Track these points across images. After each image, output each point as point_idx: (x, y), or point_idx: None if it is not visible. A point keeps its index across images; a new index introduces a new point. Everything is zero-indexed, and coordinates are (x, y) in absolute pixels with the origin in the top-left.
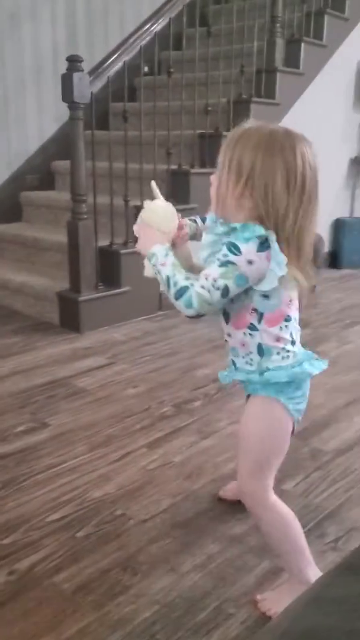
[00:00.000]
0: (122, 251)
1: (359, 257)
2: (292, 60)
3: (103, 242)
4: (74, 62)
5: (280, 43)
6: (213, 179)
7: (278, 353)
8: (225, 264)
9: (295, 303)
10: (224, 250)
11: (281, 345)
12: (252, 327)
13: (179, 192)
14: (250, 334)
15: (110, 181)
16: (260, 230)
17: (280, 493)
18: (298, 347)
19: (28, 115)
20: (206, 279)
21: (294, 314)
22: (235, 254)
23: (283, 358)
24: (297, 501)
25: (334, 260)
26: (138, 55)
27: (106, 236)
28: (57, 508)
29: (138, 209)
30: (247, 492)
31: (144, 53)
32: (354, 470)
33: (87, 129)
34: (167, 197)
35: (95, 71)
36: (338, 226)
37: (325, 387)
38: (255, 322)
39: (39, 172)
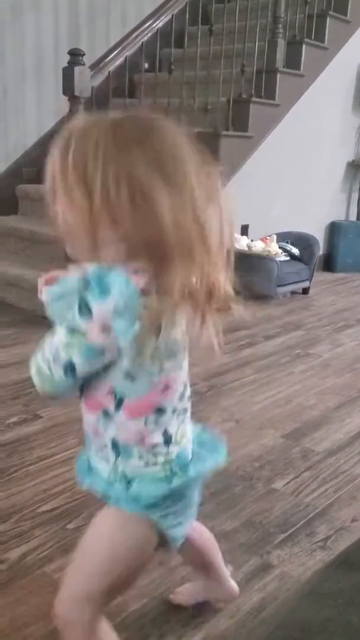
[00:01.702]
0: None
1: (353, 260)
2: (293, 61)
3: None
4: (75, 55)
5: (281, 44)
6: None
7: (140, 457)
8: (71, 330)
9: (178, 387)
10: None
11: (144, 447)
12: (106, 414)
13: None
14: (103, 423)
15: None
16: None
17: (271, 492)
18: (178, 446)
19: (27, 108)
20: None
21: (174, 403)
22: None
23: (147, 465)
24: (287, 500)
25: (329, 263)
26: (139, 51)
27: None
28: (48, 499)
29: None
30: (67, 621)
31: (145, 49)
32: (344, 471)
33: None
34: None
35: (96, 66)
36: (333, 229)
37: (317, 388)
38: (110, 408)
39: (36, 165)
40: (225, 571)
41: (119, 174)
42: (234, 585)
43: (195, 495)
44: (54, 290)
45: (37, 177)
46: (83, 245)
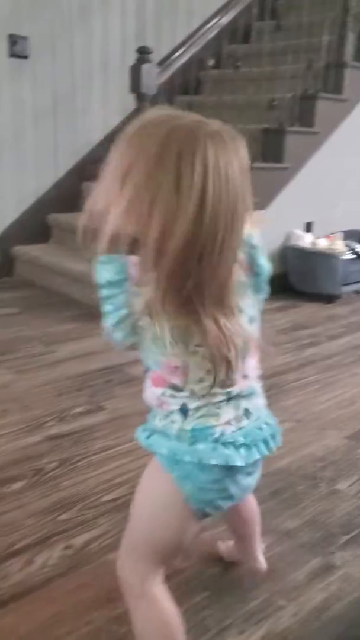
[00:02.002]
0: None
1: None
2: None
3: None
4: (143, 53)
5: (351, 37)
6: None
7: (160, 419)
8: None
9: (197, 374)
10: None
11: (163, 412)
12: (144, 378)
13: None
14: (144, 384)
15: None
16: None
17: (334, 492)
18: (196, 422)
19: (94, 106)
20: None
21: (191, 385)
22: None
23: (164, 427)
24: (351, 501)
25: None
26: (205, 48)
27: None
28: (111, 489)
29: None
30: (122, 578)
31: (211, 46)
32: None
33: None
34: None
35: (162, 63)
36: None
37: None
38: (145, 374)
39: (101, 163)
40: (258, 546)
41: (147, 183)
42: (262, 561)
43: (233, 487)
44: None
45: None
46: (104, 237)
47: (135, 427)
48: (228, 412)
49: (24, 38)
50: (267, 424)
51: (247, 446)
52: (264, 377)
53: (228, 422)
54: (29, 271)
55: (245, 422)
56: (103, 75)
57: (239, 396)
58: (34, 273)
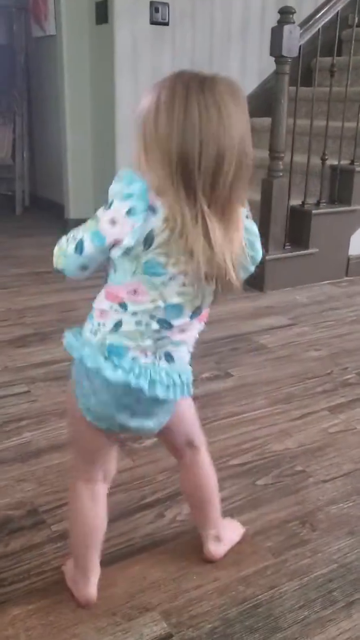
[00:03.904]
0: (314, 212)
1: None
2: None
3: (295, 202)
4: (286, 14)
5: None
6: None
7: (92, 326)
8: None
9: (153, 303)
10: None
11: (97, 320)
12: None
13: None
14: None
15: (309, 139)
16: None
17: None
18: (117, 341)
19: (231, 71)
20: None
21: (139, 309)
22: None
23: (90, 332)
24: None
25: None
26: (350, 5)
27: (298, 196)
28: (238, 454)
29: (335, 168)
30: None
31: (358, 2)
32: None
33: (290, 85)
34: None
35: (305, 24)
36: None
37: None
38: (105, 284)
39: None
40: (210, 527)
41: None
42: (211, 549)
43: (101, 392)
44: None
45: None
46: (135, 167)
47: (261, 396)
48: (148, 345)
49: (165, 5)
50: (179, 375)
51: (134, 376)
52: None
53: (144, 352)
54: None
55: (164, 364)
56: (241, 40)
57: (166, 339)
58: None
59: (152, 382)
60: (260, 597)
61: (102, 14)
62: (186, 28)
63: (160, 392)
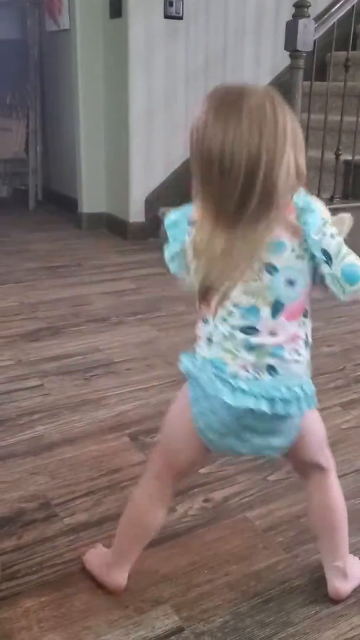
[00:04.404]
0: (328, 207)
1: None
2: None
3: None
4: (300, 7)
5: None
6: None
7: (196, 348)
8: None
9: (219, 311)
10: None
11: (198, 342)
12: None
13: None
14: None
15: (323, 134)
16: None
17: None
18: (209, 353)
19: (245, 66)
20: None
21: (215, 320)
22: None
23: (196, 353)
24: None
25: None
26: None
27: (312, 191)
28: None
29: (349, 164)
30: None
31: None
32: None
33: (305, 79)
34: None
35: (320, 18)
36: None
37: None
38: None
39: None
40: (336, 560)
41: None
42: (337, 586)
43: (221, 414)
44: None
45: None
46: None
47: None
48: (246, 358)
49: None
50: (301, 388)
51: (253, 396)
52: None
53: (244, 367)
54: None
55: (267, 378)
56: (255, 34)
57: (261, 349)
58: None
59: (271, 400)
60: (271, 592)
61: (116, 8)
62: (200, 22)
63: (277, 409)
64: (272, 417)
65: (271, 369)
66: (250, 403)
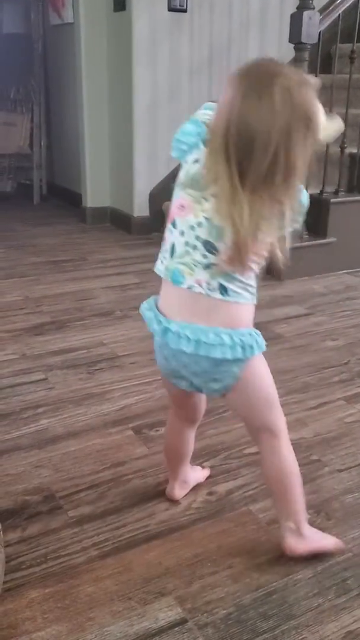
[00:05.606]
0: (332, 200)
1: None
2: None
3: (313, 190)
4: None
5: None
6: None
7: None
8: None
9: (194, 219)
10: None
11: (163, 247)
12: None
13: None
14: None
15: None
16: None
17: None
18: (173, 264)
19: (250, 57)
20: None
21: (184, 227)
22: None
23: (159, 263)
24: None
25: None
26: None
27: (316, 184)
28: (253, 443)
29: (354, 157)
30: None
31: None
32: None
33: (309, 72)
34: None
35: (325, 9)
36: None
37: None
38: None
39: None
40: (289, 521)
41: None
42: (289, 542)
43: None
44: None
45: None
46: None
47: (276, 385)
48: (203, 275)
49: None
50: (230, 336)
51: (179, 336)
52: None
53: (199, 282)
54: None
55: (218, 296)
56: (260, 26)
57: (217, 267)
58: None
59: (196, 342)
60: (274, 584)
61: (120, 1)
62: (204, 14)
63: (185, 347)
64: (204, 358)
65: (223, 289)
66: (173, 343)
